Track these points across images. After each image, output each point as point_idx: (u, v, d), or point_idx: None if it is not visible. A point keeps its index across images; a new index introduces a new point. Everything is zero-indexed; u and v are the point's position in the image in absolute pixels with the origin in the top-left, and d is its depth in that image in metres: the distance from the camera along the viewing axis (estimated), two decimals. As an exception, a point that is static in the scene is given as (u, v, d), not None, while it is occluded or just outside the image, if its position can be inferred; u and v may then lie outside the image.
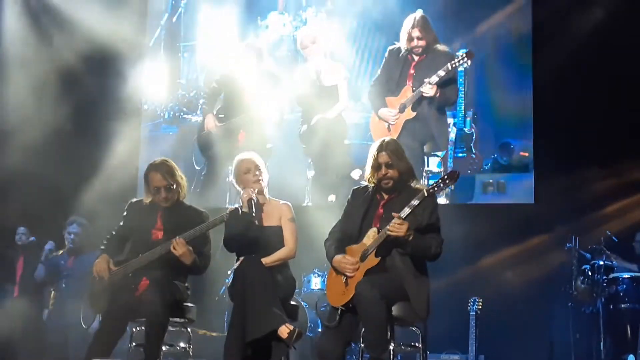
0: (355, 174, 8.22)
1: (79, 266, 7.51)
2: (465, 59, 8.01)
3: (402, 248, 4.84)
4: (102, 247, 5.50)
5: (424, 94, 8.12)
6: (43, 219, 8.10)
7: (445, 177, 4.78)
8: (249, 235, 5.43)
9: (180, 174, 5.55)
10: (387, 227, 4.76)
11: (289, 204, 5.73)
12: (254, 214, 5.41)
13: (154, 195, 5.49)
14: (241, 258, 5.41)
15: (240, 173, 5.65)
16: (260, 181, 5.62)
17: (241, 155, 5.75)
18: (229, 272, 7.64)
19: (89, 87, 8.96)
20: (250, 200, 5.45)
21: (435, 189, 4.77)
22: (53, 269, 7.81)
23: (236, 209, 5.47)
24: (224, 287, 7.86)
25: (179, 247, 5.23)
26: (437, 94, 8.12)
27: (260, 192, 5.62)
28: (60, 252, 7.92)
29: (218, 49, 8.92)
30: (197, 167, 8.86)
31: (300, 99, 8.70)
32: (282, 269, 5.51)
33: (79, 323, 6.30)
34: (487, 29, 8.42)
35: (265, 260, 5.36)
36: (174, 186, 5.48)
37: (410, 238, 4.75)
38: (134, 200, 5.73)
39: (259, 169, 5.66)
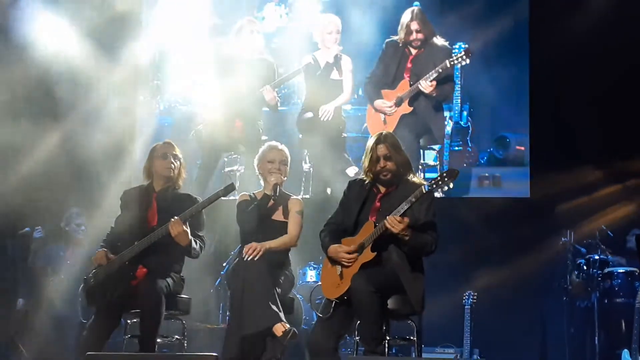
0: (351, 171, 8.18)
1: (79, 258, 7.47)
2: (464, 57, 7.99)
3: (400, 246, 4.83)
4: (102, 243, 5.50)
5: (421, 89, 8.11)
6: (42, 212, 8.04)
7: (445, 175, 4.74)
8: (260, 222, 5.47)
9: (183, 162, 5.60)
10: (385, 220, 4.74)
11: (301, 200, 5.72)
12: (273, 198, 5.50)
13: (159, 162, 5.50)
14: (243, 251, 5.38)
15: (265, 160, 5.65)
16: (280, 175, 5.60)
17: (273, 143, 5.76)
18: (224, 264, 7.66)
19: (85, 77, 8.89)
20: (276, 185, 5.52)
21: (434, 186, 4.73)
22: (51, 258, 7.74)
23: (248, 196, 5.61)
24: (218, 279, 7.85)
25: (176, 227, 5.21)
26: (435, 93, 8.12)
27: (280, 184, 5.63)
28: (58, 243, 7.88)
29: (214, 39, 8.86)
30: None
31: (308, 87, 8.59)
32: (283, 266, 5.51)
33: (76, 315, 6.29)
34: (483, 21, 8.39)
35: (269, 244, 5.35)
36: (179, 163, 5.53)
37: (408, 238, 4.75)
38: (127, 189, 5.74)
39: (284, 164, 5.65)
